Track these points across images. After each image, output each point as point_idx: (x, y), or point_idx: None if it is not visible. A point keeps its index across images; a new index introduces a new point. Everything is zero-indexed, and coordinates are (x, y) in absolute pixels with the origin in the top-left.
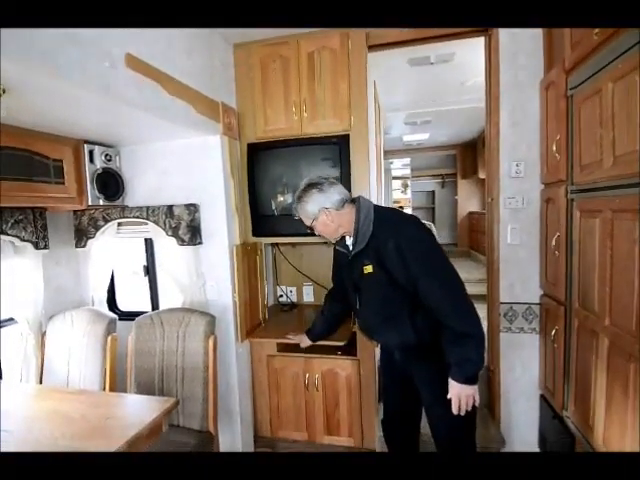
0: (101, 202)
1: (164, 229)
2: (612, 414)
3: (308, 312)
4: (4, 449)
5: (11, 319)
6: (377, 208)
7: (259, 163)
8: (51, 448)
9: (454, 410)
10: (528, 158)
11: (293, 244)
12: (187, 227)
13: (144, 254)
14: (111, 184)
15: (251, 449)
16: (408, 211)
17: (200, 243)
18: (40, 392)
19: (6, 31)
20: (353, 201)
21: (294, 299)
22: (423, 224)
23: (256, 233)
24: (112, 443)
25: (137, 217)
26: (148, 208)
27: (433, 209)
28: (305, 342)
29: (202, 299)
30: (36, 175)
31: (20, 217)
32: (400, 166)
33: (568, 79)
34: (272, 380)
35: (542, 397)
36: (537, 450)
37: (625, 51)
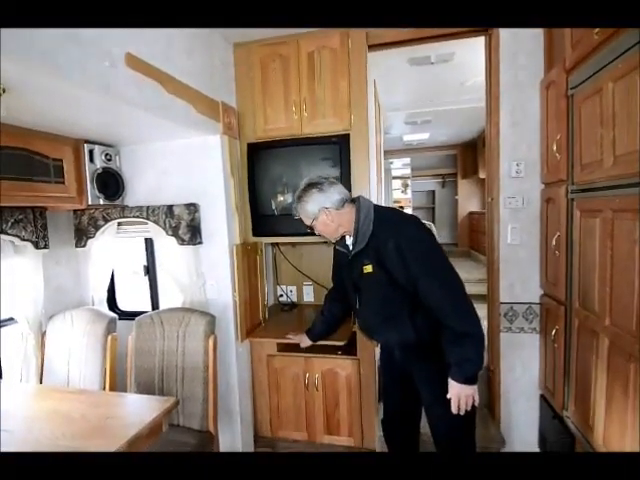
0: (101, 202)
1: (164, 229)
2: (612, 414)
3: (308, 312)
4: (4, 449)
5: (11, 319)
6: (377, 208)
7: (259, 163)
8: (51, 448)
9: (453, 410)
10: (528, 158)
11: (293, 244)
12: (187, 227)
13: (144, 254)
14: (111, 184)
15: (251, 449)
16: (408, 211)
17: (200, 243)
18: (40, 392)
19: (6, 30)
20: (353, 201)
21: (294, 299)
22: (423, 224)
23: (256, 233)
24: (112, 443)
25: (137, 217)
26: (148, 208)
27: (433, 209)
28: (305, 342)
29: (202, 299)
30: (36, 174)
31: (20, 216)
32: (400, 166)
33: (568, 79)
34: (272, 380)
35: (542, 397)
36: (537, 450)
37: (625, 51)
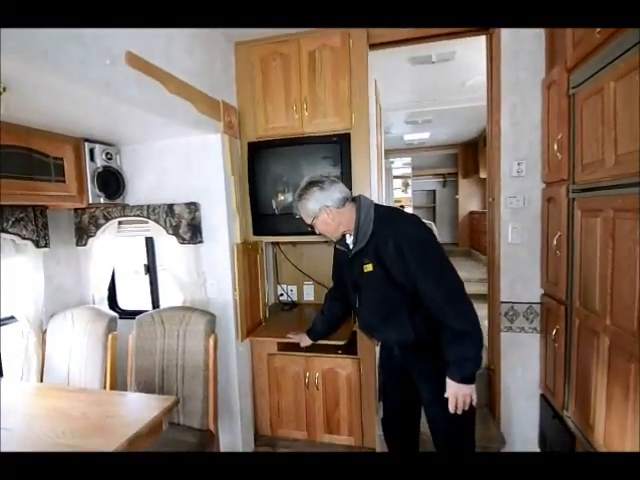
0: (102, 200)
1: (165, 228)
2: (612, 414)
3: (308, 311)
4: (4, 447)
5: (12, 317)
6: (378, 207)
7: (260, 162)
8: (51, 446)
9: (451, 409)
10: (529, 157)
11: (294, 243)
12: (188, 226)
13: (145, 253)
14: (112, 182)
15: (251, 447)
16: (409, 210)
17: (201, 242)
18: (40, 390)
19: (7, 29)
20: (354, 200)
21: (294, 298)
22: (423, 223)
23: (257, 232)
24: (112, 441)
25: (138, 216)
26: (149, 207)
27: (434, 208)
28: (305, 341)
29: (203, 298)
30: (37, 173)
31: (21, 215)
32: (401, 165)
33: (570, 78)
34: (272, 379)
35: (542, 397)
36: (537, 450)
37: (627, 50)
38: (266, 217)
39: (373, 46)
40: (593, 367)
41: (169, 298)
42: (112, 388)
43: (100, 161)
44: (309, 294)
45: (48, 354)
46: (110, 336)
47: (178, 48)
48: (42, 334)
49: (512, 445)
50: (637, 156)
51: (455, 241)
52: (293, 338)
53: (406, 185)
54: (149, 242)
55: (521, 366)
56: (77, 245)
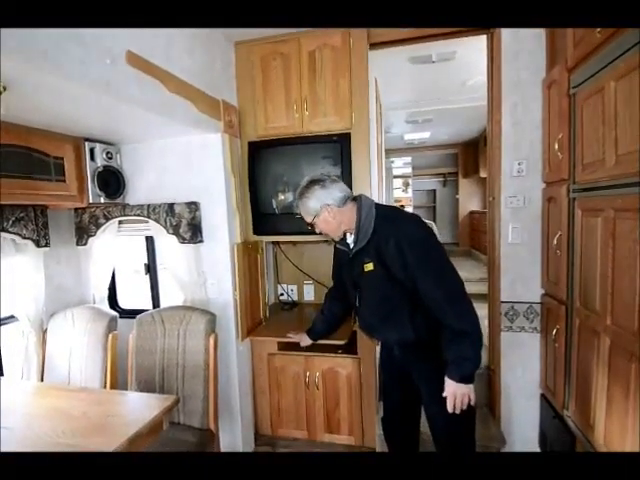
0: (102, 200)
1: (165, 227)
2: (613, 414)
3: (309, 310)
4: (4, 446)
5: (12, 317)
6: (378, 206)
7: (260, 161)
8: (51, 445)
9: (449, 408)
10: (530, 157)
11: (294, 242)
12: (188, 225)
13: (145, 252)
14: (112, 182)
15: (251, 447)
16: (409, 210)
17: (201, 241)
18: (41, 389)
19: (7, 29)
20: (354, 199)
21: (295, 297)
22: (424, 223)
23: (257, 231)
24: (113, 441)
25: (138, 215)
26: (149, 206)
27: (434, 208)
28: (305, 341)
29: (203, 297)
30: (37, 173)
31: (21, 215)
32: (401, 165)
33: (570, 77)
34: (273, 378)
35: (543, 396)
36: (538, 450)
37: (627, 50)
38: (266, 217)
39: (373, 45)
40: (593, 367)
41: (169, 297)
42: (112, 387)
43: (100, 160)
44: (309, 294)
45: (48, 353)
46: (110, 335)
47: (178, 47)
48: (42, 333)
49: (512, 445)
50: (637, 156)
51: (455, 241)
52: (293, 338)
53: (406, 185)
54: (149, 241)
55: (521, 366)
56: (77, 244)
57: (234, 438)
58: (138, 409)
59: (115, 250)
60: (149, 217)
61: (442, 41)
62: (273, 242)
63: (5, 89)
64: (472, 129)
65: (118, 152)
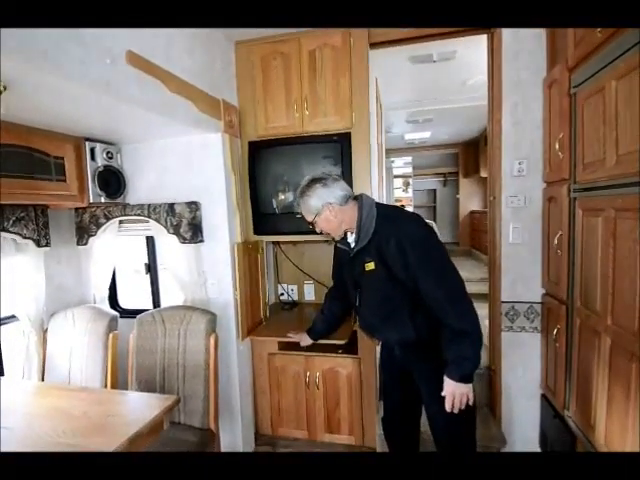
0: (102, 200)
1: (165, 227)
2: (614, 414)
3: (309, 310)
4: (4, 446)
5: (13, 316)
6: (379, 205)
7: (260, 161)
8: (52, 445)
9: (447, 408)
10: (530, 156)
11: (294, 242)
12: (188, 225)
13: (145, 252)
14: (112, 182)
15: (252, 447)
16: (409, 209)
17: (201, 241)
18: (41, 389)
19: (7, 29)
20: (355, 198)
21: (295, 297)
22: (425, 222)
23: (257, 231)
24: (113, 440)
25: (138, 215)
26: (149, 206)
27: (434, 208)
28: (306, 341)
29: (203, 297)
30: (37, 172)
31: (22, 214)
32: (401, 164)
33: (571, 77)
34: (273, 378)
35: (543, 396)
36: (538, 450)
37: (627, 50)
38: (267, 216)
39: (374, 45)
40: (594, 367)
41: (170, 297)
42: (113, 387)
43: (101, 160)
44: (310, 293)
45: (49, 353)
46: (111, 335)
47: (178, 47)
48: (43, 333)
49: (513, 445)
50: (638, 156)
51: (456, 240)
52: (293, 337)
53: (407, 184)
54: (150, 241)
55: (522, 366)
56: (78, 244)
57: (234, 438)
58: (138, 409)
59: (115, 250)
60: (149, 217)
61: (442, 41)
62: (273, 242)
63: (5, 89)
64: (472, 129)
65: (119, 152)
